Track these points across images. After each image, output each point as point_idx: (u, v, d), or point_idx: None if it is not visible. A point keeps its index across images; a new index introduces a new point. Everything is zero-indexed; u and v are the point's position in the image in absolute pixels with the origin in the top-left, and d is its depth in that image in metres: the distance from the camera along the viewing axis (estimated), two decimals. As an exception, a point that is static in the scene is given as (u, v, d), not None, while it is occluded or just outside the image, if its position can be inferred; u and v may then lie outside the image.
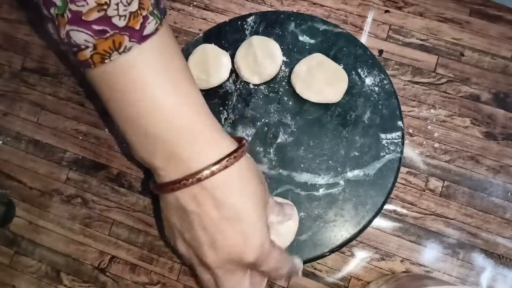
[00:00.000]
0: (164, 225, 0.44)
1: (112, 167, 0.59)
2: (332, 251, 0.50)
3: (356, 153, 0.52)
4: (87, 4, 0.33)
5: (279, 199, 0.51)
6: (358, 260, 0.53)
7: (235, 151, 0.38)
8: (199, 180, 0.36)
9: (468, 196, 0.52)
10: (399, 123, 0.52)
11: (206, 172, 0.36)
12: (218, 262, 0.38)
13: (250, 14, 0.58)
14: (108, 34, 0.34)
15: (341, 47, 0.55)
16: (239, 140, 0.42)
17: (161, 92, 0.37)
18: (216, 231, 0.37)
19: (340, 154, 0.52)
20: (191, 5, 0.61)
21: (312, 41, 0.56)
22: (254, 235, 0.38)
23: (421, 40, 0.56)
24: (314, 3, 0.59)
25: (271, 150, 0.53)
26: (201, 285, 0.44)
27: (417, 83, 0.55)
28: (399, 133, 0.52)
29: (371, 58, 0.54)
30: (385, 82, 0.53)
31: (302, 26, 0.56)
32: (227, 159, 0.37)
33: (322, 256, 0.50)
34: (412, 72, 0.56)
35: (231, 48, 0.56)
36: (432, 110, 0.54)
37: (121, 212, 0.58)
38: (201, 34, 0.58)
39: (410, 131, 0.54)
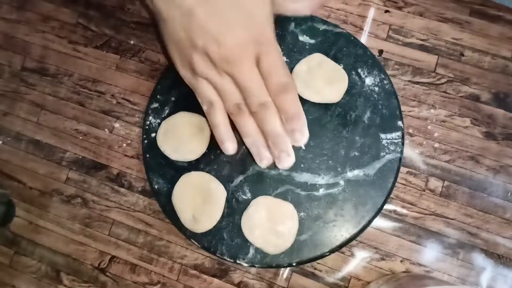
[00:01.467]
0: (171, 46, 0.43)
1: (112, 167, 0.59)
2: (332, 251, 0.50)
3: (356, 153, 0.52)
4: None
5: (279, 200, 0.51)
6: (358, 260, 0.53)
7: None
8: None
9: (468, 196, 0.52)
10: (399, 123, 0.52)
11: None
12: (230, 47, 0.38)
13: (250, 14, 0.57)
14: None
15: (341, 47, 0.55)
16: None
17: None
18: (222, 18, 0.37)
19: (340, 154, 0.52)
20: (191, 5, 0.61)
21: (312, 41, 0.56)
22: (257, 15, 0.38)
23: (421, 40, 0.56)
24: (314, 3, 0.59)
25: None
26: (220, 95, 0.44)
27: (417, 83, 0.55)
28: (399, 133, 0.52)
29: (371, 58, 0.54)
30: (385, 82, 0.53)
31: (302, 26, 0.56)
32: None
33: (322, 256, 0.50)
34: (412, 72, 0.56)
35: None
36: (432, 110, 0.54)
37: (121, 212, 0.58)
38: (201, 34, 0.58)
39: (410, 131, 0.54)
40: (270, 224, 0.49)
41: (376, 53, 0.56)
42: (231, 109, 0.44)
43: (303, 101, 0.54)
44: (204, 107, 0.46)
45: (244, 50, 0.39)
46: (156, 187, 0.54)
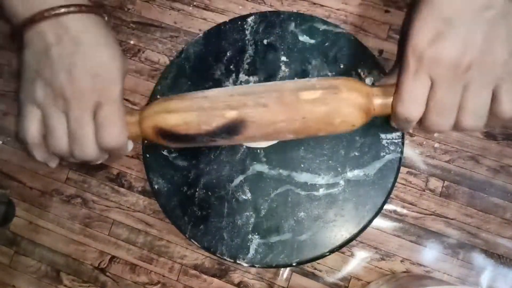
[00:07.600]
0: (23, 75, 0.42)
1: (112, 167, 0.59)
2: (332, 251, 0.50)
3: (356, 153, 0.52)
4: None
5: None
6: (358, 260, 0.53)
7: (87, 6, 0.41)
8: (57, 15, 0.39)
9: (468, 196, 0.52)
10: (399, 123, 0.52)
11: (63, 10, 0.38)
12: (72, 90, 0.40)
13: (250, 14, 0.58)
14: None
15: (341, 47, 0.55)
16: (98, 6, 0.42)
17: None
18: (72, 62, 0.40)
19: (340, 154, 0.52)
20: (191, 5, 0.61)
21: (312, 41, 0.56)
22: (108, 73, 0.40)
23: (421, 40, 0.56)
24: (314, 3, 0.59)
25: (271, 150, 0.53)
26: (54, 137, 0.41)
27: (417, 83, 0.55)
28: (399, 133, 0.52)
29: (371, 58, 0.54)
30: (385, 82, 0.53)
31: (302, 26, 0.56)
32: (80, 7, 0.39)
33: (322, 256, 0.50)
34: (412, 72, 0.55)
35: (231, 48, 0.57)
36: (432, 110, 0.54)
37: (121, 212, 0.58)
38: (201, 34, 0.58)
39: (410, 131, 0.54)
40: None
41: (376, 53, 0.56)
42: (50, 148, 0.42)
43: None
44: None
45: (83, 96, 0.41)
46: (156, 187, 0.54)
